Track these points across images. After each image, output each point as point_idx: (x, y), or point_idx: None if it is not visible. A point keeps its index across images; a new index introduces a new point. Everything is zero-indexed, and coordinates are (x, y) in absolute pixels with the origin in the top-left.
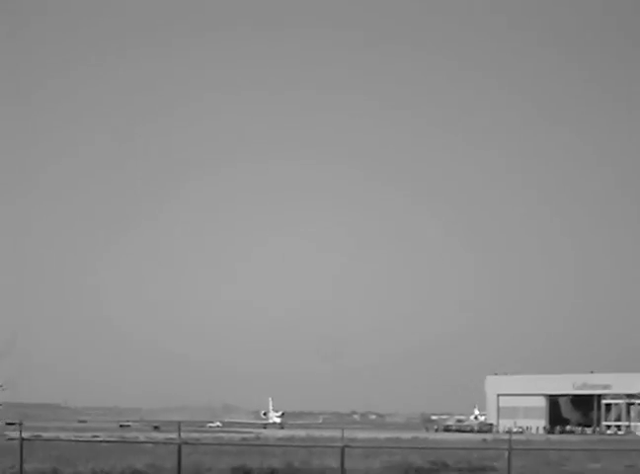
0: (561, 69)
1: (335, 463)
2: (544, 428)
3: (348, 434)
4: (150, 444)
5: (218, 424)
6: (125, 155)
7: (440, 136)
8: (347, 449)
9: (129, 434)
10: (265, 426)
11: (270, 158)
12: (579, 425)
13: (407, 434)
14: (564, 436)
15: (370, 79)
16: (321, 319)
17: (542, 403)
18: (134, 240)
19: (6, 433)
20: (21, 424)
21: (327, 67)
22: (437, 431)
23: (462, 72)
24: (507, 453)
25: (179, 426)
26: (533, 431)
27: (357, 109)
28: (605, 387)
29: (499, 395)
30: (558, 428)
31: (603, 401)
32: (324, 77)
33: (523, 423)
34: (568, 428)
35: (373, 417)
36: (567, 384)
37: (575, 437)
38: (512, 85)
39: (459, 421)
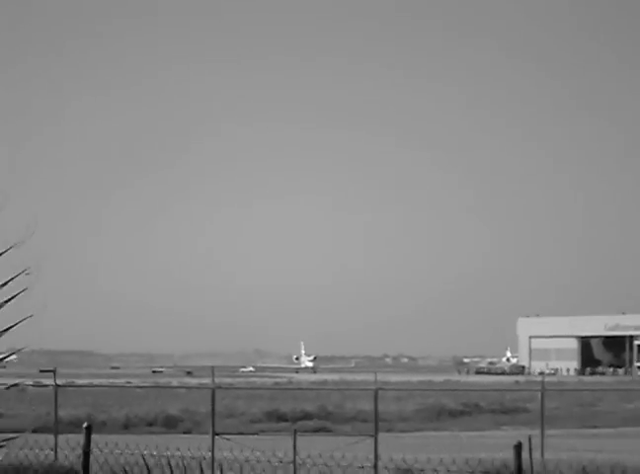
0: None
1: (368, 406)
2: (575, 369)
3: (380, 377)
4: (183, 390)
5: (251, 369)
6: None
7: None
8: (380, 392)
9: (162, 380)
10: (297, 370)
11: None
12: (611, 366)
13: (439, 377)
14: (596, 378)
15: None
16: (352, 265)
17: (574, 345)
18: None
19: (40, 379)
20: (54, 371)
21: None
22: (468, 373)
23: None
24: (539, 395)
25: (212, 371)
26: (565, 372)
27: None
28: (638, 328)
29: (531, 337)
30: (589, 369)
31: (636, 342)
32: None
33: (555, 365)
34: (600, 369)
35: (405, 360)
36: (599, 325)
37: (607, 379)
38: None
39: (491, 363)
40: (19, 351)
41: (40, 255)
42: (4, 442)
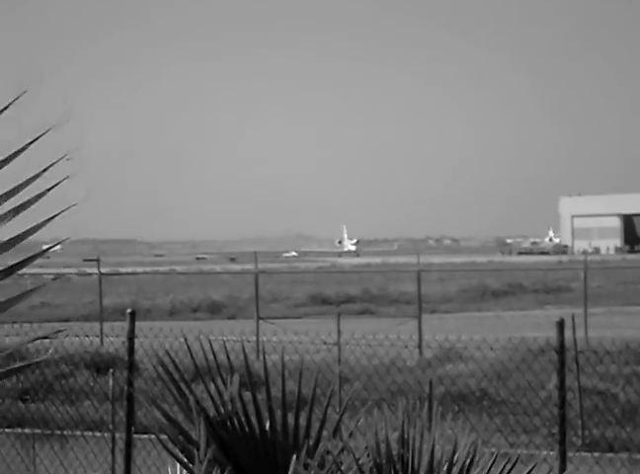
0: None
1: (411, 288)
2: (616, 247)
3: (423, 259)
4: (227, 275)
5: (294, 253)
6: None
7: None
8: (423, 274)
9: (206, 267)
10: (340, 254)
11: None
12: None
13: (482, 258)
14: (638, 256)
15: None
16: (394, 148)
17: (617, 223)
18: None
19: (84, 268)
20: (98, 260)
21: None
22: (511, 253)
23: None
24: (582, 274)
25: (255, 256)
26: (611, 251)
27: None
28: None
29: (573, 216)
30: (628, 247)
31: None
32: None
33: (598, 243)
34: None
35: (448, 242)
36: None
37: None
38: None
39: (534, 243)
40: (63, 241)
41: (80, 139)
42: (54, 335)
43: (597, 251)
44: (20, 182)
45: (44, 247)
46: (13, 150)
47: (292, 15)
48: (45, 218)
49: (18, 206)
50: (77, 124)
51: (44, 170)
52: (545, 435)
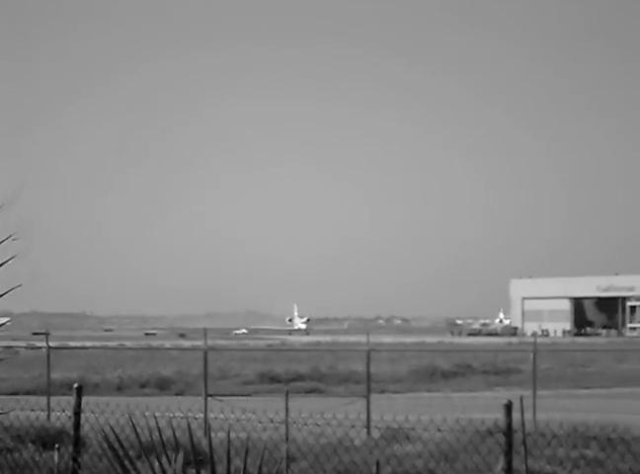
0: None
1: (361, 367)
2: (564, 330)
3: (373, 338)
4: (176, 351)
5: (244, 331)
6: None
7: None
8: (373, 353)
9: (155, 342)
10: (290, 332)
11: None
12: (604, 327)
13: (432, 339)
14: (588, 339)
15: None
16: (346, 230)
17: (567, 306)
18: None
19: (32, 342)
20: (47, 333)
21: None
22: (461, 334)
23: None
24: (532, 355)
25: (204, 332)
26: (558, 333)
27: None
28: (630, 289)
29: (523, 298)
30: (575, 330)
31: (628, 303)
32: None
33: (548, 326)
34: (589, 330)
35: (398, 322)
36: (592, 286)
37: (600, 340)
38: None
39: (484, 325)
40: (6, 322)
41: (28, 219)
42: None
43: (546, 333)
44: None
45: None
46: None
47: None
48: None
49: None
50: (24, 204)
51: None
52: None
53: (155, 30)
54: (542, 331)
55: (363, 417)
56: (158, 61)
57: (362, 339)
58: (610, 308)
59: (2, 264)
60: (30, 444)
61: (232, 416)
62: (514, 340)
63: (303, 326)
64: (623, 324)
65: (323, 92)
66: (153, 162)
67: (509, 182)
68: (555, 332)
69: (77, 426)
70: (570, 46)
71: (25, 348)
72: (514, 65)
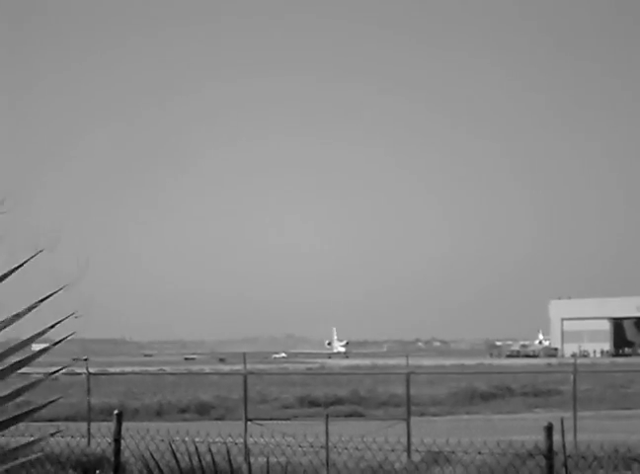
0: None
1: (400, 390)
2: (601, 351)
3: (412, 361)
4: (216, 376)
5: (283, 355)
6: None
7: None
8: (412, 376)
9: (195, 367)
10: (329, 355)
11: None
12: None
13: (471, 361)
14: (629, 359)
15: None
16: (385, 251)
17: (606, 326)
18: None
19: (73, 368)
20: (87, 359)
21: None
22: (500, 356)
23: None
24: (572, 377)
25: (244, 356)
26: (597, 354)
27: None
28: None
29: (563, 319)
30: (613, 350)
31: None
32: None
33: (588, 346)
34: (627, 350)
35: (438, 344)
36: (631, 306)
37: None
38: None
39: (524, 346)
40: (56, 343)
41: (88, 299)
42: (51, 435)
43: (585, 354)
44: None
45: (34, 348)
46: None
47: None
48: (45, 327)
49: (16, 314)
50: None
51: (52, 326)
52: None
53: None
54: (582, 352)
55: (404, 440)
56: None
57: (402, 361)
58: None
59: (58, 342)
60: (71, 471)
61: (272, 440)
62: (553, 361)
63: (342, 349)
64: None
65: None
66: (193, 182)
67: (548, 201)
68: (595, 352)
69: (117, 452)
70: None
71: (65, 374)
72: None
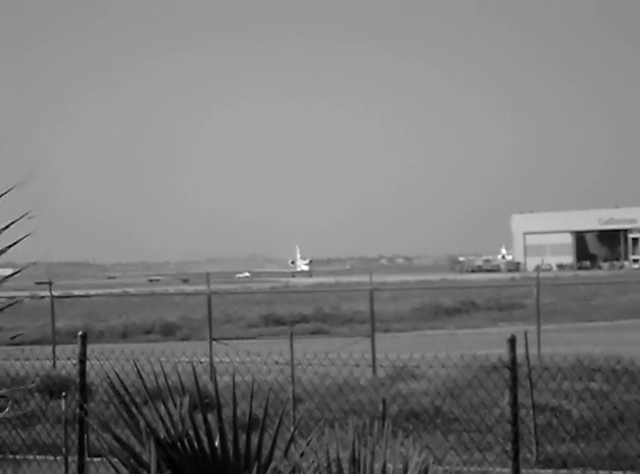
0: None
1: (364, 307)
2: (559, 265)
3: (376, 278)
4: (180, 296)
5: (247, 274)
6: None
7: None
8: (376, 293)
9: (159, 288)
10: (293, 274)
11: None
12: (606, 260)
13: (435, 276)
14: (591, 272)
15: None
16: (346, 168)
17: (569, 240)
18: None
19: (36, 291)
20: (50, 282)
21: None
22: (461, 271)
23: None
24: (535, 290)
25: (207, 276)
26: (555, 268)
27: None
28: (632, 221)
29: (525, 233)
30: (577, 263)
31: (630, 235)
32: None
33: (551, 260)
34: (588, 264)
35: (401, 261)
36: (593, 220)
37: (602, 273)
38: None
39: (487, 261)
40: (20, 270)
41: (44, 196)
42: (12, 339)
43: (548, 268)
44: None
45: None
46: None
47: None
48: (1, 248)
49: None
50: (44, 177)
51: (5, 228)
52: (499, 453)
53: None
54: (547, 265)
55: (368, 356)
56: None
57: (365, 279)
58: (612, 241)
59: (14, 244)
60: (36, 394)
61: (237, 359)
62: (516, 275)
63: (306, 268)
64: (626, 256)
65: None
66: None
67: (509, 116)
68: (558, 266)
69: (83, 373)
70: None
71: (28, 297)
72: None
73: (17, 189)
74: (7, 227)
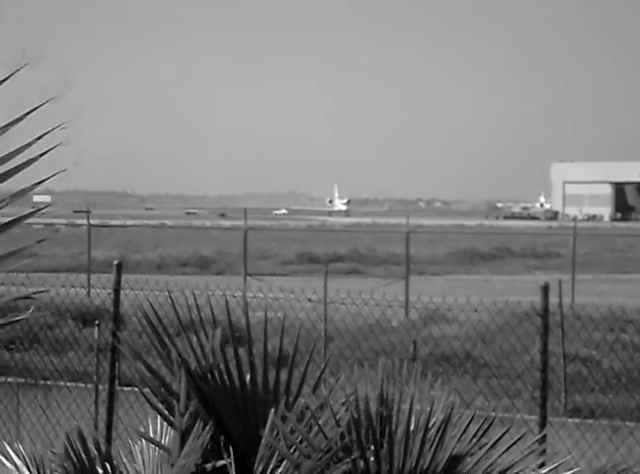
0: None
1: (400, 249)
2: (589, 216)
3: (413, 220)
4: (217, 231)
5: (284, 211)
6: None
7: None
8: (412, 235)
9: (196, 222)
10: (330, 213)
11: None
12: None
13: (472, 221)
14: (629, 224)
15: None
16: (387, 111)
17: (609, 191)
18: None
19: (74, 220)
20: (88, 211)
21: None
22: (497, 218)
23: None
24: (571, 240)
25: (245, 212)
26: (605, 219)
27: None
28: None
29: (565, 182)
30: (619, 214)
31: None
32: None
33: (589, 210)
34: (633, 215)
35: (439, 204)
36: (633, 171)
37: None
38: None
39: (525, 208)
40: (48, 205)
41: (77, 109)
42: (35, 294)
43: (594, 218)
44: (19, 146)
45: (36, 199)
46: (14, 117)
47: None
48: (38, 180)
49: (14, 167)
50: (75, 93)
51: (40, 138)
52: (527, 400)
53: None
54: (585, 215)
55: (401, 298)
56: None
57: (402, 221)
58: None
59: (48, 151)
60: (70, 321)
61: (270, 295)
62: (554, 224)
63: (343, 207)
64: None
65: None
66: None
67: (551, 66)
68: (593, 216)
69: (117, 302)
70: None
71: (66, 225)
72: None
73: (54, 101)
74: (41, 137)
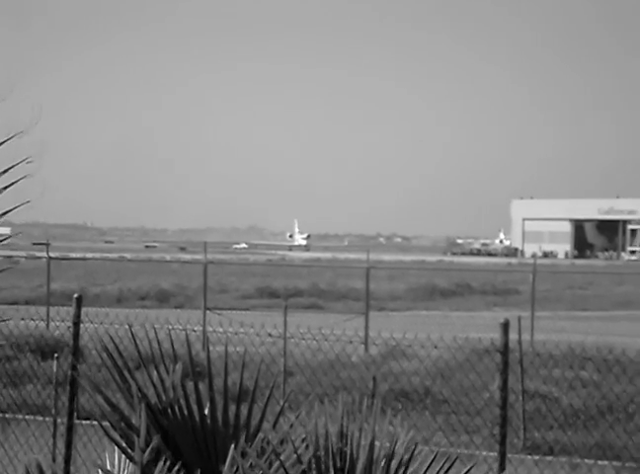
0: None
1: (360, 285)
2: (546, 252)
3: (373, 256)
4: (176, 264)
5: (244, 245)
6: None
7: None
8: (372, 271)
9: (156, 255)
10: (290, 248)
11: None
12: (604, 250)
13: (432, 257)
14: (588, 261)
15: None
16: (347, 147)
17: (568, 228)
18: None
19: (33, 252)
20: (48, 244)
21: None
22: (455, 254)
23: None
24: (531, 276)
25: (205, 246)
26: (560, 255)
27: None
28: (631, 212)
29: (524, 219)
30: (576, 252)
31: (629, 226)
32: None
33: (548, 247)
34: (591, 253)
35: (399, 240)
36: (593, 209)
37: (599, 262)
38: None
39: (484, 244)
40: (12, 236)
41: (42, 143)
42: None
43: (554, 254)
44: None
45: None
46: None
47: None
48: (2, 212)
49: None
50: (40, 126)
51: (5, 172)
52: (486, 436)
53: None
54: (545, 252)
55: (361, 333)
56: None
57: (362, 256)
58: (611, 231)
59: (13, 183)
60: (29, 353)
61: (230, 329)
62: (513, 260)
63: (304, 242)
64: (623, 247)
65: None
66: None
67: (512, 102)
68: (551, 253)
69: (76, 335)
70: None
71: (25, 258)
72: None
73: (20, 136)
74: (6, 171)
